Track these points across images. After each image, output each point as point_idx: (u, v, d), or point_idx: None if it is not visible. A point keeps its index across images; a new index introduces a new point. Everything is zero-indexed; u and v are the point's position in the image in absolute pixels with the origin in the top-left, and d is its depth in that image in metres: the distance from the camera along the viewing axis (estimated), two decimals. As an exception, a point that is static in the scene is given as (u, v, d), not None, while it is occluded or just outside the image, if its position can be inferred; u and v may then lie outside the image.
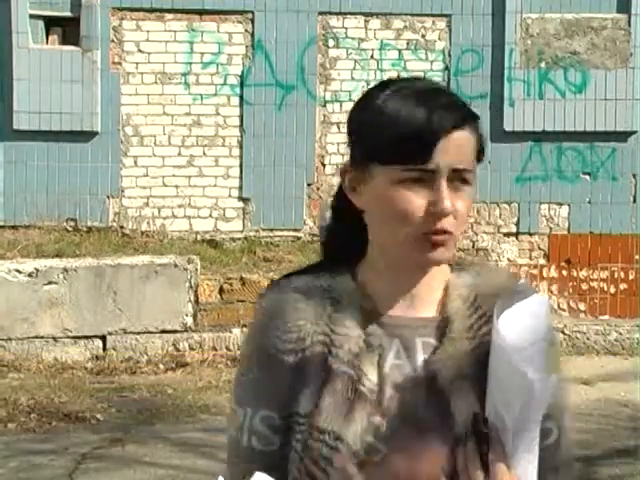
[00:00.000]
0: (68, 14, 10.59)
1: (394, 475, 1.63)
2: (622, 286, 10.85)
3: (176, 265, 9.16)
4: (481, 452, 1.60)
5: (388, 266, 1.72)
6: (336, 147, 10.60)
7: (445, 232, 1.65)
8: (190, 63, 10.78)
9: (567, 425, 1.77)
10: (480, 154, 1.70)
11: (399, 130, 1.64)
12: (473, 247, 10.91)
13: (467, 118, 1.67)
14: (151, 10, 10.73)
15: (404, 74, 10.69)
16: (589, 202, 10.88)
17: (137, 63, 10.76)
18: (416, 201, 1.64)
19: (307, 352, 1.68)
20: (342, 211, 1.78)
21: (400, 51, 10.91)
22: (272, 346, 1.70)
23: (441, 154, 1.63)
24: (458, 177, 1.65)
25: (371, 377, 1.67)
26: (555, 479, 1.74)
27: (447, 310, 1.72)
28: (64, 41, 10.72)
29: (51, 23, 10.69)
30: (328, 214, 1.83)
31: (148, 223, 10.73)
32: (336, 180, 1.85)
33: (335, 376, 1.66)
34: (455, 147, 1.64)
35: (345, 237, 1.78)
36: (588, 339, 9.88)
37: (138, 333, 9.02)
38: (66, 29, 10.70)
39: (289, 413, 1.69)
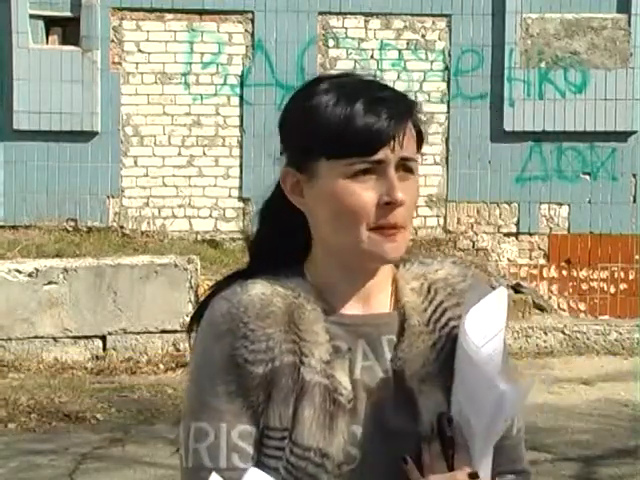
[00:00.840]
0: (68, 14, 10.59)
1: (369, 478, 1.61)
2: (622, 286, 10.85)
3: (176, 265, 9.16)
4: (446, 455, 1.59)
5: (339, 266, 1.67)
6: (336, 147, 10.61)
7: (397, 226, 1.61)
8: (190, 63, 10.78)
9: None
10: (420, 141, 1.67)
11: (346, 123, 1.60)
12: (473, 247, 10.91)
13: (410, 107, 1.65)
14: (151, 10, 10.73)
15: (404, 74, 10.70)
16: (589, 202, 10.88)
17: (137, 63, 10.77)
18: (366, 194, 1.60)
19: (277, 362, 1.59)
20: (275, 215, 1.74)
21: (400, 51, 10.91)
22: (240, 356, 1.59)
23: (390, 143, 1.60)
24: (404, 166, 1.62)
25: (345, 385, 1.62)
26: (513, 467, 1.74)
27: (402, 305, 1.69)
28: (64, 41, 10.72)
29: (51, 23, 10.70)
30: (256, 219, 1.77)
31: (148, 223, 10.73)
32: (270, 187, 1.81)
33: (310, 387, 1.60)
34: (407, 135, 1.62)
35: (275, 241, 1.72)
36: (588, 339, 9.87)
37: (138, 333, 9.01)
38: (66, 29, 10.70)
39: (261, 426, 1.60)
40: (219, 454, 1.60)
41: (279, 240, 1.72)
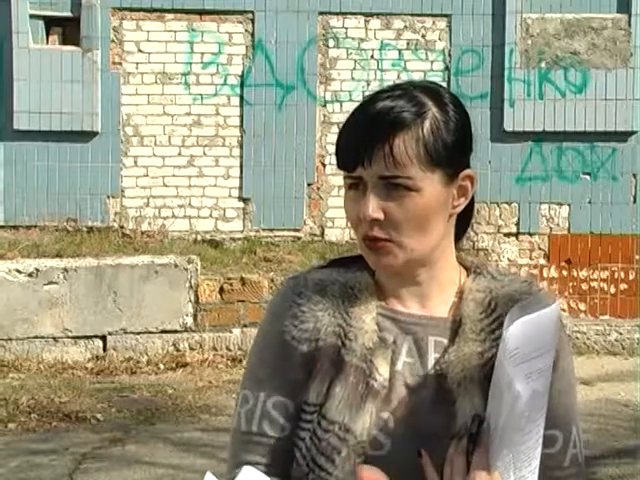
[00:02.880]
0: (68, 14, 10.59)
1: (397, 470, 1.65)
2: (622, 286, 10.85)
3: (176, 265, 9.16)
4: (467, 452, 1.63)
5: None
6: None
7: (378, 239, 1.68)
8: (190, 63, 10.78)
9: (575, 436, 1.79)
10: (431, 156, 1.68)
11: (339, 139, 1.73)
12: (473, 247, 10.91)
13: (399, 126, 1.66)
14: (151, 10, 10.73)
15: (404, 74, 10.70)
16: (589, 202, 10.88)
17: (137, 63, 10.77)
18: (351, 207, 1.71)
19: (321, 342, 1.70)
20: None
21: (400, 51, 10.91)
22: (288, 333, 1.73)
23: (366, 162, 1.66)
24: (392, 184, 1.67)
25: (383, 373, 1.69)
26: None
27: (460, 312, 1.74)
28: (64, 41, 10.72)
29: (51, 23, 10.69)
30: None
31: (149, 223, 10.73)
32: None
33: (347, 369, 1.69)
34: (385, 154, 1.66)
35: None
36: (588, 339, 9.87)
37: (138, 333, 9.02)
38: (66, 29, 10.70)
39: (300, 401, 1.71)
40: (253, 419, 1.74)
41: None
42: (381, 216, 1.67)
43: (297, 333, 1.72)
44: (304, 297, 1.74)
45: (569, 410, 1.79)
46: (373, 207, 1.67)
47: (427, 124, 1.68)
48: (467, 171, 1.75)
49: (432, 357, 1.72)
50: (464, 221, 1.81)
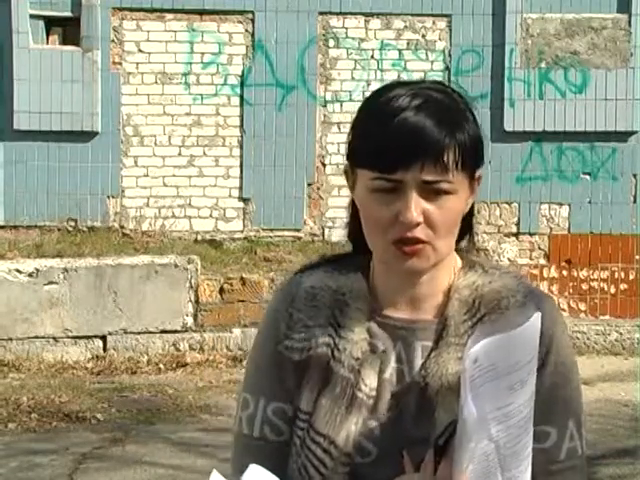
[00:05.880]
0: (68, 14, 10.59)
1: (384, 476, 1.65)
2: (622, 286, 10.84)
3: (176, 265, 9.16)
4: (435, 462, 1.62)
5: (383, 267, 1.73)
6: (336, 147, 10.59)
7: (418, 241, 1.64)
8: (190, 63, 10.78)
9: (572, 430, 1.75)
10: (467, 160, 1.66)
11: (373, 138, 1.64)
12: (473, 247, 10.89)
13: (446, 134, 1.63)
14: (151, 10, 10.73)
15: (404, 74, 10.70)
16: (589, 202, 10.88)
17: (137, 63, 10.77)
18: (384, 211, 1.65)
19: (312, 352, 1.72)
20: (354, 207, 1.77)
21: (400, 51, 10.91)
22: (280, 343, 1.75)
23: (410, 166, 1.62)
24: (432, 188, 1.64)
25: (369, 382, 1.69)
26: None
27: (445, 313, 1.72)
28: (64, 41, 10.72)
29: (51, 23, 10.70)
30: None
31: (149, 223, 10.73)
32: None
33: (335, 379, 1.70)
34: (436, 160, 1.62)
35: (356, 232, 1.77)
36: (588, 339, 9.87)
37: (138, 333, 9.02)
38: (66, 29, 10.70)
39: (295, 406, 1.74)
40: (254, 424, 1.78)
41: (359, 232, 1.76)
42: (422, 219, 1.64)
43: (289, 343, 1.74)
44: (295, 307, 1.76)
45: (566, 404, 1.78)
46: (423, 210, 1.64)
47: (467, 127, 1.67)
48: (480, 171, 1.73)
49: (419, 363, 1.70)
50: (464, 220, 1.77)
